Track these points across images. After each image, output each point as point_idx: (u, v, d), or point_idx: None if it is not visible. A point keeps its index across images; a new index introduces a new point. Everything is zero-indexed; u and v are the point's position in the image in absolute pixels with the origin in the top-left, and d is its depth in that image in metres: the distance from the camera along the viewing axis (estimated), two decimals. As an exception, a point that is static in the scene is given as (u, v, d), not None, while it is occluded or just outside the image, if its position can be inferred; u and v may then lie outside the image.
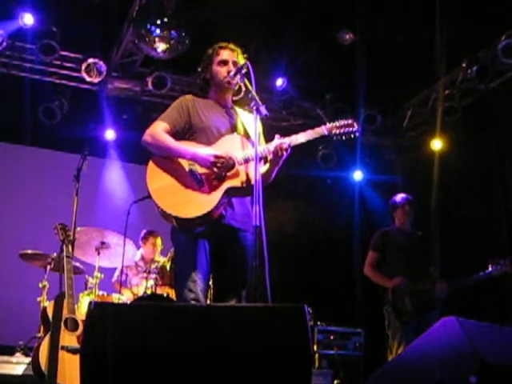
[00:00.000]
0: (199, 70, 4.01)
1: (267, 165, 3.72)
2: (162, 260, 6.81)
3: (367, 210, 9.24)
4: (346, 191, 9.44)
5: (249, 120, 3.81)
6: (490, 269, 5.66)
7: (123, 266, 6.88)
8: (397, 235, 6.14)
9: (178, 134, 3.72)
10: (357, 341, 7.18)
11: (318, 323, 7.17)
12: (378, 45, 7.35)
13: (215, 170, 3.54)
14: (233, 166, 3.57)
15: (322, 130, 3.77)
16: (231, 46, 3.90)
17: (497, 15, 6.63)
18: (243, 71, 3.72)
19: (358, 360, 7.09)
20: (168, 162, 3.63)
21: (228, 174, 3.57)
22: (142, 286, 6.58)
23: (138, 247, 7.05)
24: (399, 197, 6.34)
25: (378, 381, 3.55)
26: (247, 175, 3.58)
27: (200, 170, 3.56)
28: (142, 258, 7.16)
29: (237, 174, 3.58)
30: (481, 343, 2.91)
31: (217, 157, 3.54)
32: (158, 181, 3.57)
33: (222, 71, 3.84)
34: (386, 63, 7.46)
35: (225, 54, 3.87)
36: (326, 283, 8.49)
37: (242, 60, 3.83)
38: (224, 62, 3.85)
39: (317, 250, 9.00)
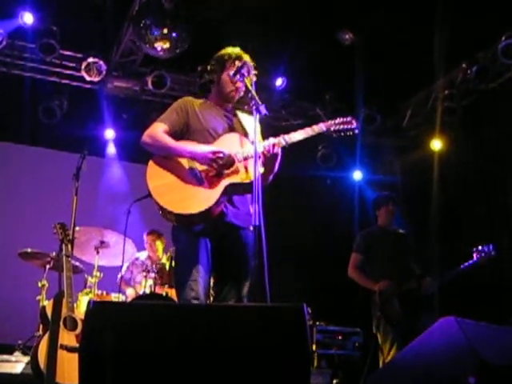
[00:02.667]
0: (208, 69, 4.00)
1: (262, 168, 3.71)
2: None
3: (367, 209, 9.24)
4: (346, 191, 9.44)
5: (247, 121, 3.83)
6: (474, 258, 5.62)
7: (129, 263, 6.93)
8: (380, 235, 6.08)
9: (176, 135, 3.73)
10: (356, 340, 7.18)
11: (317, 323, 7.17)
12: (377, 45, 7.35)
13: (214, 166, 3.55)
14: (232, 162, 3.59)
15: (321, 127, 3.79)
16: (247, 57, 3.86)
17: (497, 16, 6.63)
18: (243, 71, 3.73)
19: (357, 360, 7.09)
20: (168, 160, 3.64)
21: (227, 170, 3.58)
22: (143, 284, 6.59)
23: (138, 246, 7.05)
24: (383, 195, 6.30)
25: (377, 381, 3.56)
26: (247, 172, 3.59)
27: (199, 167, 3.58)
28: (149, 258, 7.17)
29: (236, 171, 3.59)
30: (480, 343, 2.91)
31: (215, 153, 3.56)
32: (158, 179, 3.58)
33: (231, 83, 3.84)
34: (386, 63, 7.46)
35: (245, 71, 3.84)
36: (325, 283, 8.49)
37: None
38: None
39: (316, 249, 9.00)
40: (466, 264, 5.62)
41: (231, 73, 3.80)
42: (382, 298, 5.67)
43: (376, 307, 5.74)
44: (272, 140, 3.65)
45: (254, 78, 3.77)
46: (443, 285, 5.68)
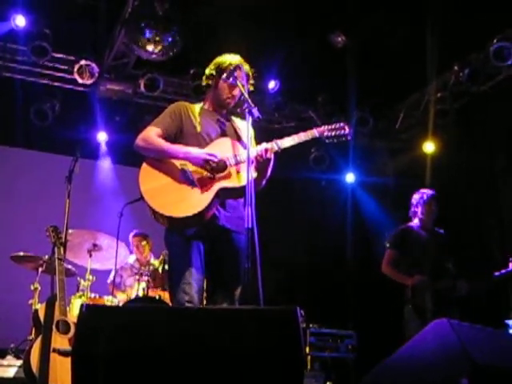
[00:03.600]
0: (206, 72, 3.99)
1: (255, 173, 3.72)
2: (156, 262, 6.83)
3: (359, 212, 9.26)
4: (339, 193, 9.45)
5: (241, 125, 3.86)
6: (510, 267, 5.52)
7: (118, 267, 6.91)
8: (417, 232, 5.97)
9: (169, 139, 3.74)
10: (349, 343, 7.17)
11: (311, 325, 7.17)
12: (370, 47, 7.37)
13: (207, 168, 3.56)
14: (224, 167, 3.59)
15: (314, 132, 3.80)
16: (247, 67, 3.88)
17: (489, 18, 6.66)
18: (235, 74, 3.74)
19: (351, 362, 7.09)
20: (161, 163, 3.65)
21: (220, 175, 3.58)
22: (135, 288, 6.58)
23: (131, 250, 7.06)
24: (425, 193, 6.09)
25: (371, 383, 3.56)
26: (238, 177, 3.60)
27: (192, 170, 3.58)
28: (137, 260, 7.18)
29: (228, 176, 3.60)
30: (472, 345, 2.92)
31: (210, 155, 3.57)
32: (150, 182, 3.59)
33: (227, 91, 3.85)
34: (379, 65, 7.47)
35: (238, 75, 3.82)
36: (318, 285, 8.50)
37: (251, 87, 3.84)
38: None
39: (309, 252, 9.01)
40: (503, 272, 5.57)
41: (224, 76, 3.81)
42: (414, 292, 5.60)
43: (408, 302, 5.67)
44: (265, 145, 3.66)
45: (252, 88, 3.79)
46: (478, 291, 5.65)
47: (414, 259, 5.84)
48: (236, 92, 3.81)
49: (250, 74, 3.88)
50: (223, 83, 3.86)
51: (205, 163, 3.57)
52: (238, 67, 3.81)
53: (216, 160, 3.58)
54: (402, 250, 5.93)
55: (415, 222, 6.09)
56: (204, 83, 3.98)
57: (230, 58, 3.89)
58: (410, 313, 5.67)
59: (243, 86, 3.68)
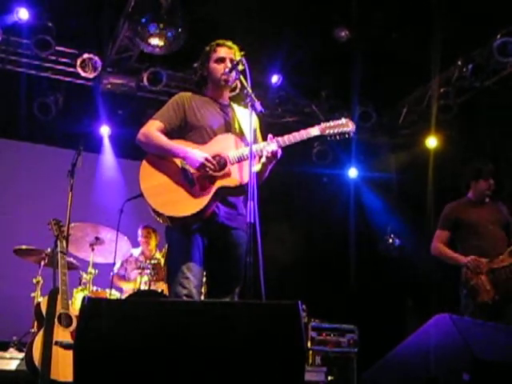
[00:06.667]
0: (197, 66, 4.00)
1: (259, 165, 3.70)
2: (159, 256, 6.85)
3: (362, 207, 9.26)
4: (341, 188, 9.45)
5: (245, 117, 3.80)
6: None
7: (123, 260, 6.93)
8: (471, 208, 5.55)
9: (173, 132, 3.72)
10: (351, 338, 7.18)
11: (312, 320, 7.17)
12: (373, 42, 7.35)
13: (204, 171, 3.54)
14: (224, 165, 3.57)
15: (315, 130, 3.73)
16: (229, 43, 3.89)
17: (492, 13, 6.64)
18: (239, 67, 3.72)
19: (352, 357, 7.10)
20: (161, 160, 3.64)
21: (219, 173, 3.56)
22: (138, 281, 6.60)
23: (133, 244, 7.05)
24: (485, 167, 5.75)
25: (373, 377, 3.57)
26: (239, 175, 3.58)
27: (191, 169, 3.57)
28: (143, 254, 7.19)
29: (228, 174, 3.58)
30: (474, 340, 2.92)
31: (207, 160, 3.54)
32: (150, 180, 3.58)
33: (219, 68, 3.83)
34: (382, 60, 7.46)
35: (222, 52, 3.85)
36: (320, 280, 8.50)
37: (238, 57, 3.82)
38: (221, 60, 3.83)
39: (311, 246, 9.01)
40: None
41: (217, 58, 3.81)
42: (469, 274, 5.17)
43: (462, 285, 5.28)
44: (278, 139, 3.62)
45: (239, 56, 3.75)
46: None
47: (467, 238, 5.45)
48: (229, 65, 3.78)
49: (235, 47, 3.87)
50: (212, 64, 3.85)
51: (201, 167, 3.54)
52: (218, 46, 3.85)
53: (214, 163, 3.55)
54: (453, 229, 5.52)
55: (469, 196, 5.69)
56: (199, 77, 3.98)
57: (209, 44, 3.92)
58: (465, 298, 5.25)
59: (246, 79, 3.66)
